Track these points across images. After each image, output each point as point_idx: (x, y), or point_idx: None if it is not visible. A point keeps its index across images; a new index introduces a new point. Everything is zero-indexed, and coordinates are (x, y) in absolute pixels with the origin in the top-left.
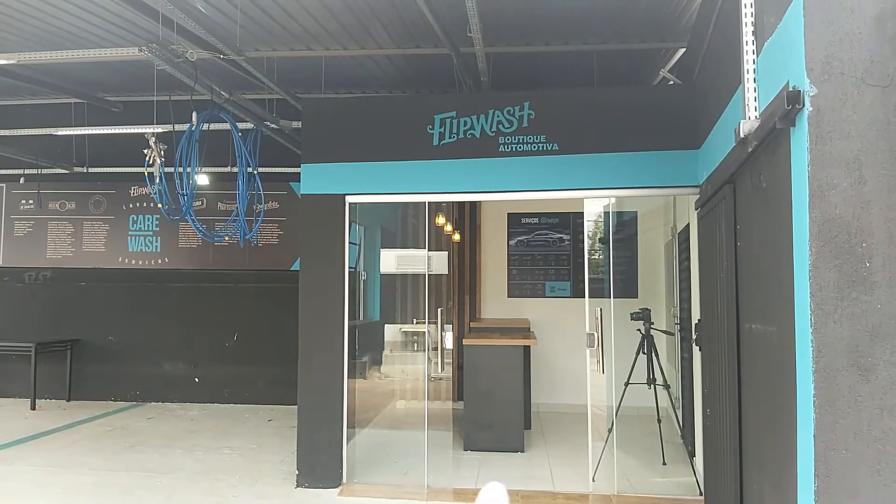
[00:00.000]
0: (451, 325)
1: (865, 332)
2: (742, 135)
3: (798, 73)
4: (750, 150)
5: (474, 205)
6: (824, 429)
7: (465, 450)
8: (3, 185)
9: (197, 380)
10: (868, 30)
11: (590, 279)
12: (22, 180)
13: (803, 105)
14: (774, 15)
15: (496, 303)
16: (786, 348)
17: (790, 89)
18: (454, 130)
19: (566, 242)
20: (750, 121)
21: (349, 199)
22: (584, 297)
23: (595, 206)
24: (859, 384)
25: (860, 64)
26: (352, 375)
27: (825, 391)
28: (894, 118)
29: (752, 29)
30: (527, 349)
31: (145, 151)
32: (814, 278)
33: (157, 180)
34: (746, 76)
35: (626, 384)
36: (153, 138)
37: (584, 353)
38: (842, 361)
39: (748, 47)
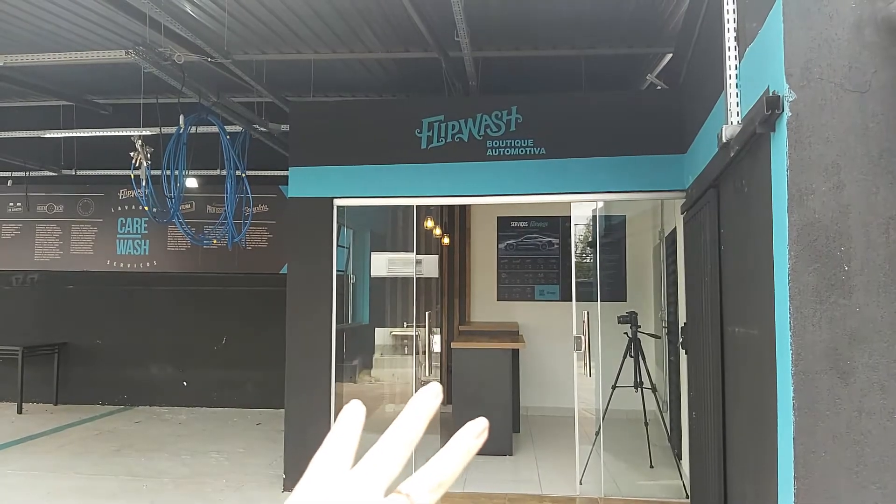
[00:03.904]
0: (439, 329)
1: (844, 336)
2: (724, 139)
3: (778, 78)
4: (732, 154)
5: (464, 208)
6: (804, 431)
7: None
8: None
9: (185, 383)
10: (847, 36)
11: (578, 283)
12: (10, 183)
13: (782, 110)
14: (756, 21)
15: (485, 306)
16: (766, 351)
17: (770, 94)
18: (442, 134)
19: (555, 246)
20: (732, 125)
21: (337, 202)
22: (572, 300)
23: (583, 209)
24: (838, 387)
25: (839, 70)
26: (341, 379)
27: (804, 394)
28: (872, 123)
29: (734, 35)
30: (515, 352)
31: (132, 154)
32: (793, 282)
33: (144, 183)
34: (729, 81)
35: (614, 387)
36: (139, 141)
37: (572, 357)
38: (821, 364)
39: (730, 53)
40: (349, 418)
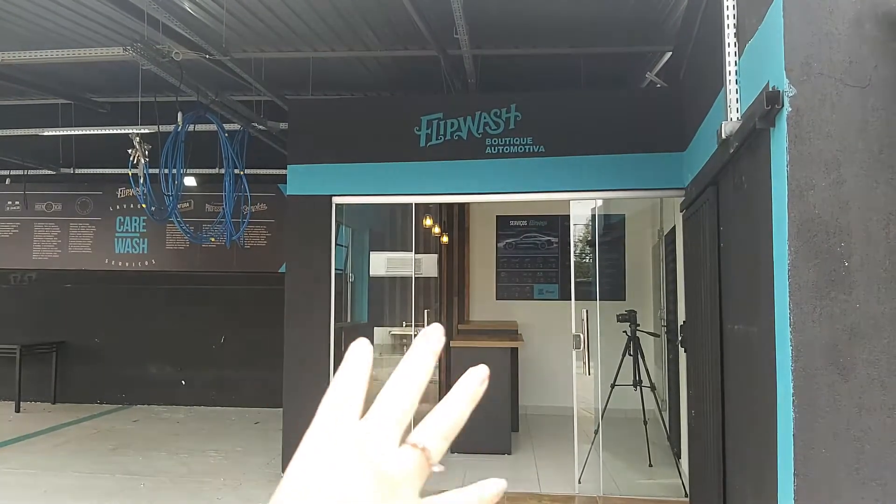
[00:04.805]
0: None
1: (844, 332)
2: (724, 136)
3: (778, 73)
4: (731, 151)
5: (463, 207)
6: (803, 428)
7: (452, 452)
8: None
9: (183, 382)
10: (847, 31)
11: (577, 282)
12: (8, 181)
13: (782, 105)
14: (755, 17)
15: (484, 305)
16: (766, 348)
17: (770, 90)
18: (441, 132)
19: (554, 245)
20: (731, 122)
21: (336, 200)
22: (571, 299)
23: (582, 208)
24: (838, 383)
25: (839, 65)
26: None
27: (804, 391)
28: (872, 118)
29: (733, 31)
30: (514, 351)
31: (130, 151)
32: (793, 278)
33: (142, 181)
34: (728, 77)
35: (613, 386)
36: (137, 138)
37: (571, 356)
38: (820, 361)
39: (730, 49)
40: (356, 359)
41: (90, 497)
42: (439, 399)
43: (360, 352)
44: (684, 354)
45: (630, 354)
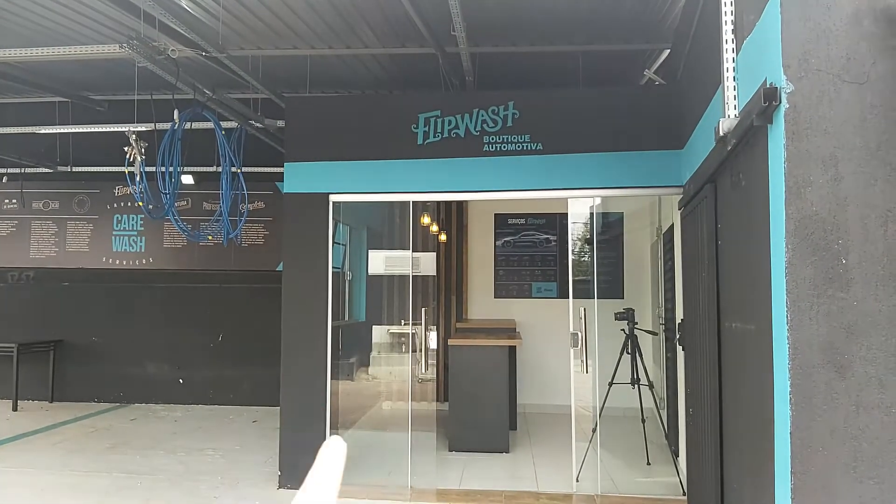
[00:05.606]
0: (435, 326)
1: (841, 330)
2: (721, 133)
3: (775, 70)
4: (729, 148)
5: (461, 205)
6: (801, 426)
7: (450, 450)
8: None
9: (181, 381)
10: (844, 27)
11: (575, 280)
12: (5, 179)
13: (780, 102)
14: (753, 13)
15: (483, 303)
16: (763, 346)
17: (767, 86)
18: (438, 130)
19: (553, 243)
20: (729, 119)
21: (333, 197)
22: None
23: (580, 206)
24: (835, 381)
25: (837, 61)
26: (338, 377)
27: (801, 389)
28: (870, 115)
29: (731, 27)
30: (512, 349)
31: (126, 149)
32: (790, 275)
33: (138, 178)
34: (726, 74)
35: (611, 384)
36: (133, 135)
37: (569, 354)
38: (818, 359)
39: (728, 45)
40: (329, 460)
41: (87, 495)
42: (438, 397)
43: (332, 453)
44: (682, 353)
45: (628, 353)
